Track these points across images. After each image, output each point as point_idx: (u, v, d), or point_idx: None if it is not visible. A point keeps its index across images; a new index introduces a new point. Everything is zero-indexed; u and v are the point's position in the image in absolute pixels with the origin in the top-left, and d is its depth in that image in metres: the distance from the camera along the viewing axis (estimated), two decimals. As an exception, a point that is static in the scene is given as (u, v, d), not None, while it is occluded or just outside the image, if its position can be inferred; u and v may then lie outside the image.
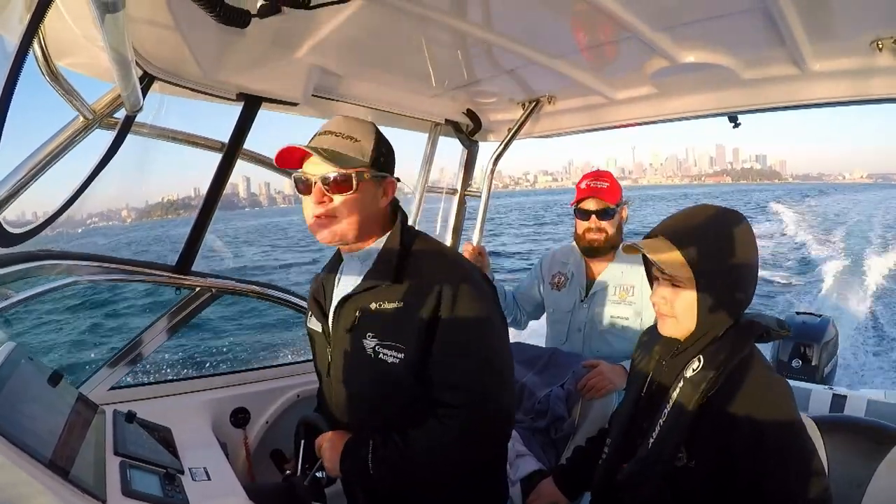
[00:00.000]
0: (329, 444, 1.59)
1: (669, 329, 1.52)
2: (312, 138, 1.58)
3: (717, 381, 1.37)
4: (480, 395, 1.51)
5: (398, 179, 1.64)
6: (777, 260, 21.90)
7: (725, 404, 1.37)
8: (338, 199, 1.52)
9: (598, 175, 2.76)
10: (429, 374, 1.52)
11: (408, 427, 1.52)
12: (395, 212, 1.69)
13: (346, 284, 1.68)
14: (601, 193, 2.68)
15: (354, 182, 1.50)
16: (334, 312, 1.67)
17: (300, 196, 1.57)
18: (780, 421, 1.36)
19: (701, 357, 1.43)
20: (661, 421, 1.44)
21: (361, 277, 1.63)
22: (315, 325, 1.77)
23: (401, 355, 1.52)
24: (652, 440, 1.45)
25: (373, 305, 1.57)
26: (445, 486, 1.62)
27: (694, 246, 1.42)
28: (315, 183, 1.51)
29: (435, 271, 1.58)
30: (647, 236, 1.52)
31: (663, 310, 1.50)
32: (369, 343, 1.56)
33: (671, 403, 1.43)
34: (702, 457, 1.39)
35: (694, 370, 1.42)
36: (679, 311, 1.47)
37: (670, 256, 1.43)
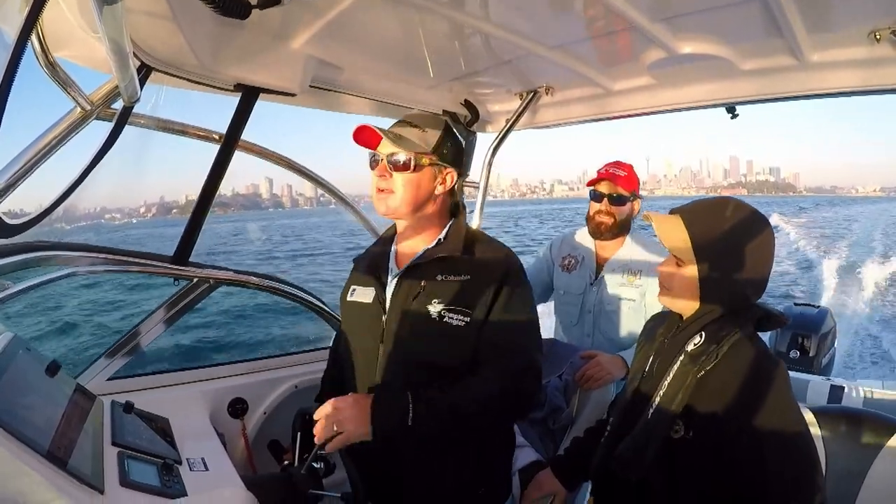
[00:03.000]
0: (349, 404, 1.56)
1: (665, 301, 1.60)
2: (393, 125, 1.74)
3: (717, 354, 1.41)
4: (523, 350, 1.66)
5: (461, 174, 1.80)
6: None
7: (724, 378, 1.40)
8: (397, 177, 1.68)
9: (618, 164, 2.83)
10: (485, 334, 1.64)
11: None
12: (457, 205, 1.85)
13: (406, 257, 1.80)
14: (616, 179, 2.76)
15: (412, 164, 1.66)
16: (397, 281, 1.74)
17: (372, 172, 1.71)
18: (775, 398, 1.38)
19: (703, 333, 1.47)
20: (660, 393, 1.47)
21: (423, 251, 1.75)
22: (362, 296, 1.81)
23: (467, 319, 1.63)
24: (650, 411, 1.48)
25: (438, 276, 1.69)
26: (452, 475, 1.67)
27: (702, 229, 1.48)
28: (382, 161, 1.68)
29: (497, 251, 1.77)
30: (670, 212, 1.58)
31: (664, 282, 1.58)
32: (434, 308, 1.64)
33: (671, 376, 1.47)
34: (699, 429, 1.41)
35: (695, 345, 1.47)
36: (676, 288, 1.54)
37: (676, 236, 1.49)
